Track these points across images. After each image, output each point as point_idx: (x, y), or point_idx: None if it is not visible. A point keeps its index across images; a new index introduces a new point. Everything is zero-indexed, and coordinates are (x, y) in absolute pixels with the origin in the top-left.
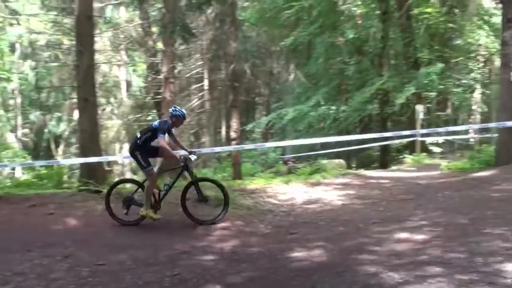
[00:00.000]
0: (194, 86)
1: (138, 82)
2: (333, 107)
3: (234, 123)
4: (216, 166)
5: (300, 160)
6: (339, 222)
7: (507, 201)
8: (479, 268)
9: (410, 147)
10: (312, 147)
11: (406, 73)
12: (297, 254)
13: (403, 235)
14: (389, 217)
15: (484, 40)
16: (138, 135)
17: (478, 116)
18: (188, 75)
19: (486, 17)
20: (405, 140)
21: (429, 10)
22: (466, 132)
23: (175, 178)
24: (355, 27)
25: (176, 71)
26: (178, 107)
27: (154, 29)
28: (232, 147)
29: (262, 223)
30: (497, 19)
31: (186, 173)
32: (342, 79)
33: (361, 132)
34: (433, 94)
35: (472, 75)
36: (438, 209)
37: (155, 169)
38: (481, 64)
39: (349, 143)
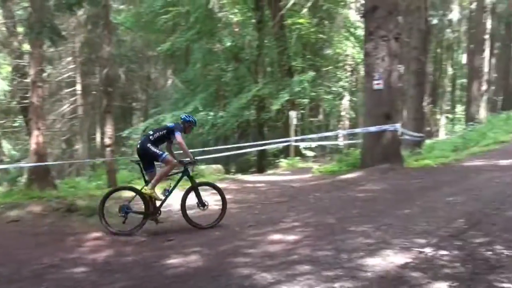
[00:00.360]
0: (65, 91)
1: (2, 86)
2: (211, 113)
3: (109, 129)
4: (90, 174)
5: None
6: (215, 227)
7: (370, 200)
8: (344, 264)
9: (286, 152)
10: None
11: (281, 81)
12: (173, 260)
13: (277, 236)
14: (264, 220)
15: (351, 50)
16: (151, 132)
17: (347, 122)
18: (58, 78)
19: (352, 29)
20: (281, 145)
21: (301, 20)
22: (336, 136)
23: (175, 184)
24: (232, 35)
25: (45, 74)
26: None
27: (20, 29)
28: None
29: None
30: (362, 32)
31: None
32: (220, 85)
33: (239, 138)
34: (306, 100)
35: (341, 83)
36: (309, 210)
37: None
38: (349, 73)
39: (228, 148)
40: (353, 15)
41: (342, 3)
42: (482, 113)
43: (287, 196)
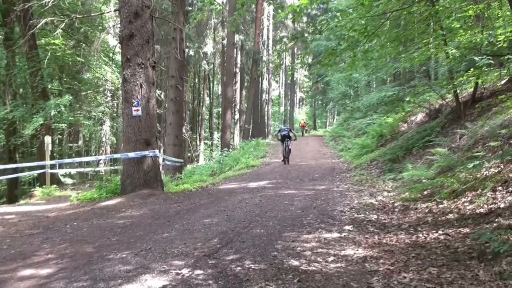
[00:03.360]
0: None
1: None
2: None
3: None
4: None
5: None
6: None
7: (130, 226)
8: None
9: (41, 179)
10: None
11: (35, 103)
12: None
13: (28, 272)
14: (13, 255)
15: (110, 75)
16: (289, 128)
17: (108, 148)
18: None
19: (111, 54)
20: (35, 172)
21: (56, 41)
22: (97, 162)
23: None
24: None
25: None
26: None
27: None
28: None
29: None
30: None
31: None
32: None
33: None
34: (63, 125)
35: (101, 108)
36: (65, 240)
37: None
38: (109, 98)
39: None
40: (112, 40)
41: (100, 27)
42: (236, 139)
43: (42, 227)
